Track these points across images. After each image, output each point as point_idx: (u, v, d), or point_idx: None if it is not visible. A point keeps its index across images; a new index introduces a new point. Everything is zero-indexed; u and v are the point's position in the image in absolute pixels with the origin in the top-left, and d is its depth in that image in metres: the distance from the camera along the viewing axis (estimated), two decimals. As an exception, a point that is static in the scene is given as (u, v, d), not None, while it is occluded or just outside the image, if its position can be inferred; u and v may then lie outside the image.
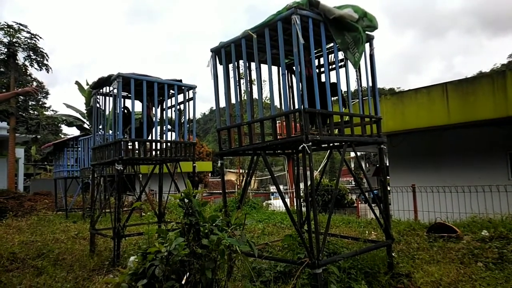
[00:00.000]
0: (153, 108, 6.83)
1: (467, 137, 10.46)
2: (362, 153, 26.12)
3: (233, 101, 4.85)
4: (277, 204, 15.46)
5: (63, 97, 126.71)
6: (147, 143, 6.26)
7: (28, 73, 22.29)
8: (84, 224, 10.24)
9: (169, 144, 6.37)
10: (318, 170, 23.06)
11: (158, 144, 6.31)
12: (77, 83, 20.44)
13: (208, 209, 12.59)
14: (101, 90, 6.42)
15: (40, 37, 19.49)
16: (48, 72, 20.08)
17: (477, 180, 9.19)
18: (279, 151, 5.56)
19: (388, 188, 8.99)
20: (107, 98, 6.37)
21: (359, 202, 17.40)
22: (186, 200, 2.68)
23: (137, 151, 6.00)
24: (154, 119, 6.62)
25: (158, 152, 6.28)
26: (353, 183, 31.29)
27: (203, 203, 2.81)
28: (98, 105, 6.55)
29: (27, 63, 19.63)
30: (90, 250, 6.42)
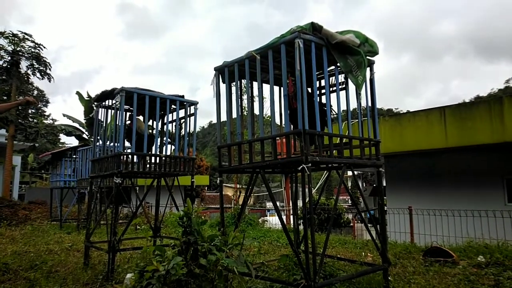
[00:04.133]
0: (154, 123, 6.89)
1: (464, 161, 10.54)
2: (360, 172, 26.14)
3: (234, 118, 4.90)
4: (273, 221, 15.38)
5: (63, 106, 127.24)
6: (147, 157, 6.27)
7: (29, 82, 22.42)
8: (79, 236, 10.14)
9: (168, 158, 6.39)
10: (316, 188, 23.01)
11: (158, 158, 6.33)
12: (78, 93, 20.56)
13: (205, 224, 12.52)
14: (103, 103, 6.48)
15: (44, 47, 19.71)
16: (50, 81, 20.22)
17: (474, 204, 9.22)
18: (278, 169, 5.59)
19: (385, 208, 8.98)
20: (109, 111, 6.43)
21: (356, 221, 17.32)
22: (185, 219, 2.69)
23: (136, 165, 6.02)
24: (153, 133, 6.67)
25: (157, 166, 6.29)
26: (350, 202, 31.20)
27: (202, 222, 2.82)
28: (100, 117, 6.60)
29: (29, 71, 19.77)
30: (84, 263, 6.35)
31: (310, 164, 3.65)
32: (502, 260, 5.88)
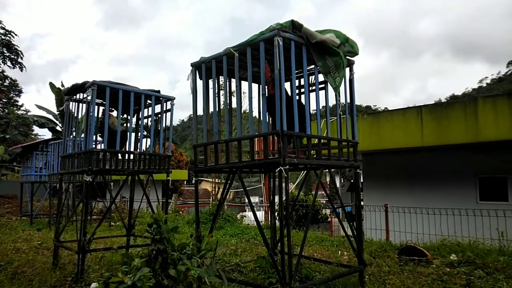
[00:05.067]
0: (128, 118, 6.65)
1: (440, 159, 10.73)
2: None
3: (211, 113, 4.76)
4: (251, 216, 15.30)
5: (37, 96, 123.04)
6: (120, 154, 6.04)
7: (0, 70, 21.46)
8: (49, 233, 9.78)
9: (143, 155, 6.17)
10: (295, 184, 23.10)
11: (131, 155, 6.11)
12: (50, 84, 19.78)
13: (181, 220, 12.33)
14: (75, 97, 6.20)
15: (16, 34, 18.86)
16: (22, 70, 19.41)
17: (447, 203, 9.41)
18: (255, 169, 5.49)
19: (362, 204, 9.03)
20: (81, 105, 6.15)
21: (333, 217, 17.49)
22: (154, 226, 2.55)
23: (108, 161, 5.79)
24: (127, 129, 6.44)
25: (131, 163, 6.07)
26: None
27: (173, 228, 2.68)
28: (70, 111, 6.31)
29: (-1, 60, 18.92)
30: (52, 263, 6.09)
31: (287, 166, 3.57)
32: (473, 259, 6.01)
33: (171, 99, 6.44)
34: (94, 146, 5.63)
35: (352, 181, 23.52)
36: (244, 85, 5.01)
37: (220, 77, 4.85)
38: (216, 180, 25.45)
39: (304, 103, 4.38)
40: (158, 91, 6.39)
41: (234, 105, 5.12)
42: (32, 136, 29.90)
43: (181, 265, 2.36)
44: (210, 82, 4.73)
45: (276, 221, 5.99)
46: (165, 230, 2.52)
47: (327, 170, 4.91)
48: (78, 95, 6.14)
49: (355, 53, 4.32)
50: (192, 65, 4.71)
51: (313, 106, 4.59)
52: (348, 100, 4.68)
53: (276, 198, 5.73)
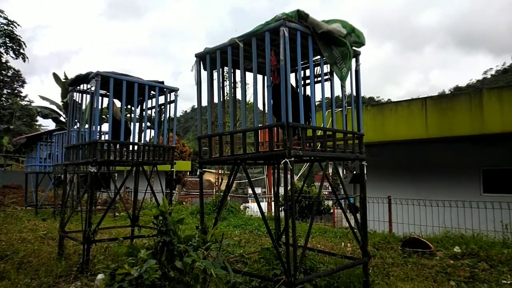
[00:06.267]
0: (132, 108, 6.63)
1: (444, 151, 10.69)
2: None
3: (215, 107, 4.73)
4: (254, 208, 15.35)
5: (41, 86, 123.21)
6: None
7: (3, 61, 21.42)
8: (54, 223, 9.86)
9: (147, 147, 6.17)
10: (298, 175, 23.10)
11: (135, 146, 6.10)
12: (54, 75, 19.75)
13: (185, 211, 12.39)
14: (78, 87, 6.18)
15: (18, 24, 18.78)
16: (24, 61, 19.35)
17: (451, 194, 9.38)
18: (260, 161, 5.47)
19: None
20: (85, 95, 6.14)
21: (336, 208, 17.51)
22: (160, 218, 2.55)
23: (112, 153, 5.79)
24: (131, 120, 6.42)
25: (135, 154, 6.07)
26: (330, 188, 31.43)
27: (179, 220, 2.68)
28: (74, 102, 6.30)
29: (1, 50, 18.85)
30: (58, 253, 6.14)
31: (293, 158, 3.55)
32: (477, 251, 6.01)
33: (175, 90, 6.42)
34: (98, 137, 5.63)
35: (354, 172, 23.50)
36: (249, 76, 4.98)
37: (225, 68, 4.81)
38: (219, 171, 25.47)
39: (309, 95, 4.35)
40: (162, 82, 6.36)
41: (238, 96, 5.09)
42: (36, 127, 30.00)
43: (187, 257, 2.36)
44: (215, 73, 4.68)
45: (280, 212, 6.00)
46: (171, 222, 2.52)
47: (331, 162, 4.90)
48: (81, 86, 6.12)
49: (361, 43, 4.26)
50: (197, 55, 4.67)
51: (318, 97, 4.56)
52: (354, 92, 4.63)
53: (280, 190, 5.73)
